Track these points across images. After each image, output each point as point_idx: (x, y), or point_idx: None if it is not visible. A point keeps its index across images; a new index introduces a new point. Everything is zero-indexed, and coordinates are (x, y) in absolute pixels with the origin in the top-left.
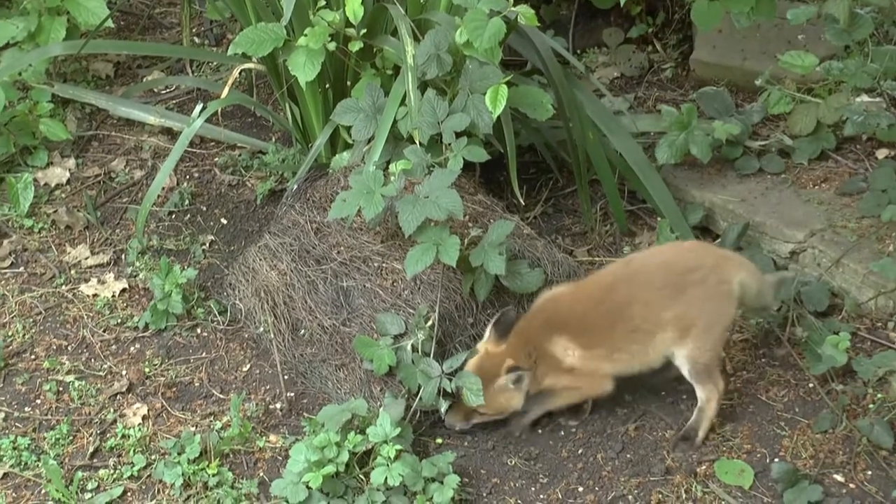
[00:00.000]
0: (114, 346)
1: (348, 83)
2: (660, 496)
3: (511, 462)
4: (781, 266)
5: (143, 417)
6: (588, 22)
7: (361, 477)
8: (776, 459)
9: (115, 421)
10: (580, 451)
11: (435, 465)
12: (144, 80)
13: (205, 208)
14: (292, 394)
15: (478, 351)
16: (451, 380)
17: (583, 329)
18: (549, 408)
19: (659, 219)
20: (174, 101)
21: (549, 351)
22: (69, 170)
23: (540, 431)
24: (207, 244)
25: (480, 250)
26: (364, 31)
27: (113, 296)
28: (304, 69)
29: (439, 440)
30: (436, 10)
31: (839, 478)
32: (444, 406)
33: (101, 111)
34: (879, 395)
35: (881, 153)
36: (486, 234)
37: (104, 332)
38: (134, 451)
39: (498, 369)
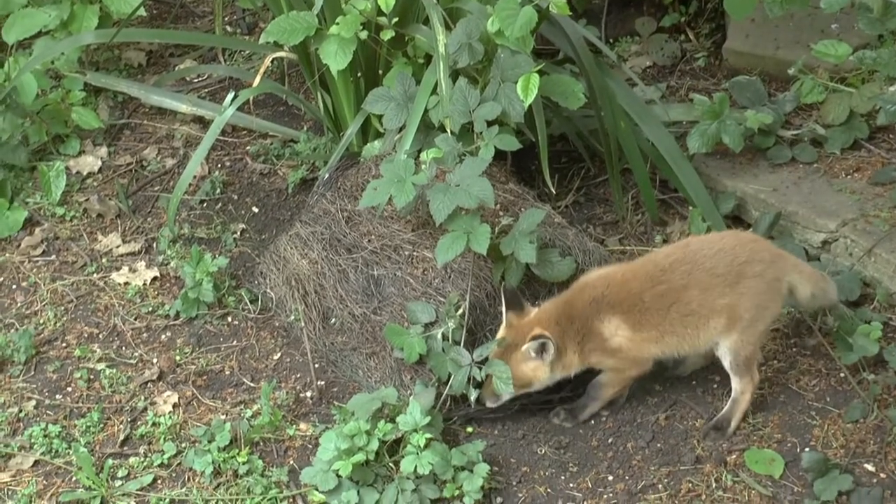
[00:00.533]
0: (145, 335)
1: (380, 72)
2: (689, 485)
3: (541, 451)
4: (813, 256)
5: (174, 405)
6: (620, 11)
7: (391, 465)
8: (807, 449)
9: (145, 409)
10: (610, 440)
11: (465, 453)
12: (176, 68)
13: (236, 197)
14: (322, 382)
15: (504, 342)
16: (481, 368)
17: (636, 308)
18: (604, 399)
19: (690, 208)
20: (206, 90)
21: (598, 329)
22: (101, 158)
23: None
24: (238, 233)
25: (511, 239)
26: (396, 19)
27: (144, 284)
28: (335, 58)
29: (470, 429)
30: None
31: (870, 467)
32: (473, 395)
33: (133, 100)
34: None
35: None
36: (517, 222)
37: (135, 320)
38: (164, 438)
39: (523, 339)
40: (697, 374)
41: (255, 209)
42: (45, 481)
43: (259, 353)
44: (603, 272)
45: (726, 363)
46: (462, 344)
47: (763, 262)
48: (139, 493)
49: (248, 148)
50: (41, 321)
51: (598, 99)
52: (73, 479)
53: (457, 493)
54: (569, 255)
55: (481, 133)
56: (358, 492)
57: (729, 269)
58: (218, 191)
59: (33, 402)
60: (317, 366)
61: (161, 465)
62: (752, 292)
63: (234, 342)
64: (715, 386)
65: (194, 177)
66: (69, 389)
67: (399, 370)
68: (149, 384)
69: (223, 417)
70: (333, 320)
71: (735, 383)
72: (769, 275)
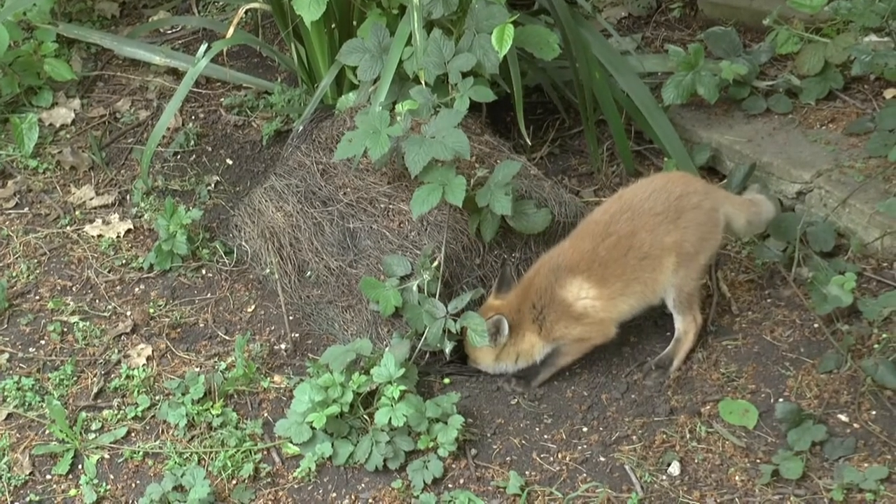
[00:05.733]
0: (118, 287)
1: (354, 23)
2: (664, 436)
3: (516, 403)
4: (788, 207)
5: (148, 358)
6: None
7: (366, 417)
8: (780, 399)
9: (119, 362)
10: (585, 393)
11: (439, 405)
12: (150, 20)
13: (210, 149)
14: (297, 334)
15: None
16: (455, 320)
17: (595, 264)
18: (558, 366)
19: (665, 159)
20: (180, 42)
21: (561, 296)
22: (74, 110)
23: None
24: (213, 185)
25: (486, 190)
26: None
27: (118, 236)
28: (309, 8)
29: (447, 380)
30: None
31: (843, 418)
32: (448, 347)
33: (107, 51)
34: (884, 336)
35: (889, 93)
36: (492, 174)
37: (109, 272)
38: (138, 391)
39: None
40: (673, 327)
41: (230, 161)
42: (18, 434)
43: (233, 305)
44: (551, 250)
45: (669, 301)
46: (438, 296)
47: (698, 192)
48: (113, 445)
49: (222, 100)
50: (14, 274)
51: (572, 50)
52: (47, 431)
53: (431, 444)
54: (544, 207)
55: (456, 85)
56: (332, 444)
57: (668, 206)
58: (192, 143)
59: (6, 356)
60: (291, 318)
61: (135, 418)
62: (694, 224)
63: (209, 295)
64: None
65: (168, 129)
66: (42, 342)
67: (375, 323)
68: (122, 337)
69: (197, 370)
70: (309, 273)
71: (678, 322)
72: (706, 205)
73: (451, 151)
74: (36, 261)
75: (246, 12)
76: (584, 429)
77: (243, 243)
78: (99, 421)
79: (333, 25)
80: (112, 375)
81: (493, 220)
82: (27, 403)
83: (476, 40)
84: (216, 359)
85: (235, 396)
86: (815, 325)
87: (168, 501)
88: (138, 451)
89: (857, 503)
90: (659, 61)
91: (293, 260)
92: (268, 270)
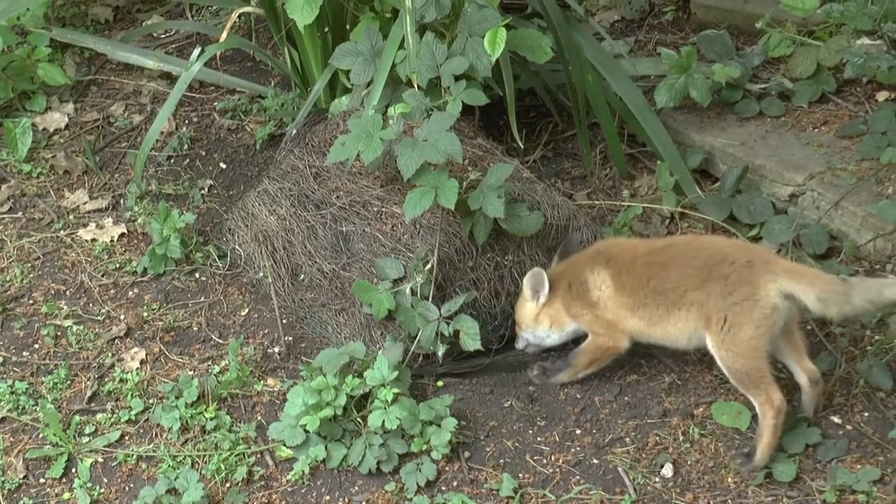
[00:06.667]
0: (112, 291)
1: (347, 27)
2: (657, 438)
3: (509, 405)
4: (780, 210)
5: (141, 362)
6: None
7: (359, 420)
8: None
9: (113, 365)
10: (578, 395)
11: (433, 408)
12: (143, 24)
13: (204, 153)
14: (290, 338)
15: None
16: (448, 323)
17: (625, 270)
18: (577, 365)
19: (658, 162)
20: (173, 46)
21: (585, 277)
22: (68, 115)
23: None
24: (206, 189)
25: (479, 193)
26: None
27: (111, 240)
28: (302, 12)
29: (440, 383)
30: None
31: (836, 419)
32: (441, 350)
33: (100, 56)
34: (878, 338)
35: (881, 95)
36: (485, 177)
37: (102, 276)
38: (132, 395)
39: None
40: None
41: (223, 165)
42: (11, 438)
43: (227, 309)
44: (612, 238)
45: (727, 375)
46: (431, 299)
47: (733, 264)
48: (106, 449)
49: (215, 104)
50: (8, 278)
51: (565, 53)
52: (41, 435)
53: (425, 447)
54: (537, 210)
55: (449, 88)
56: (326, 446)
57: (703, 265)
58: (185, 147)
59: (0, 359)
60: (285, 321)
61: (128, 422)
62: (717, 294)
63: (202, 298)
64: None
65: (161, 133)
66: (36, 346)
67: (368, 326)
68: (116, 340)
69: (191, 373)
70: (302, 276)
71: (752, 401)
72: (734, 278)
73: (443, 155)
74: (30, 265)
75: (239, 16)
76: (578, 431)
77: (237, 247)
78: (93, 424)
79: (326, 29)
80: (106, 379)
81: (486, 223)
82: (21, 407)
83: (469, 44)
84: (210, 362)
85: (229, 400)
86: (809, 328)
87: None
88: (132, 455)
89: None
90: (651, 64)
91: (286, 263)
92: (261, 274)
